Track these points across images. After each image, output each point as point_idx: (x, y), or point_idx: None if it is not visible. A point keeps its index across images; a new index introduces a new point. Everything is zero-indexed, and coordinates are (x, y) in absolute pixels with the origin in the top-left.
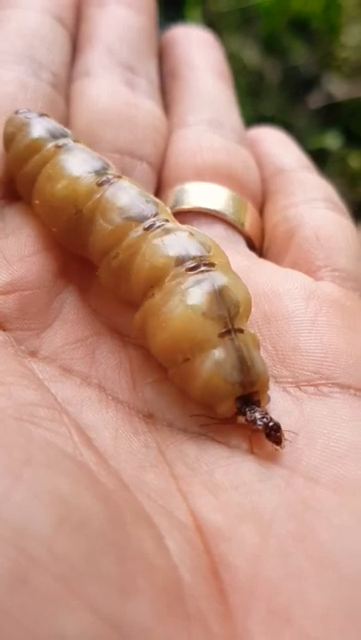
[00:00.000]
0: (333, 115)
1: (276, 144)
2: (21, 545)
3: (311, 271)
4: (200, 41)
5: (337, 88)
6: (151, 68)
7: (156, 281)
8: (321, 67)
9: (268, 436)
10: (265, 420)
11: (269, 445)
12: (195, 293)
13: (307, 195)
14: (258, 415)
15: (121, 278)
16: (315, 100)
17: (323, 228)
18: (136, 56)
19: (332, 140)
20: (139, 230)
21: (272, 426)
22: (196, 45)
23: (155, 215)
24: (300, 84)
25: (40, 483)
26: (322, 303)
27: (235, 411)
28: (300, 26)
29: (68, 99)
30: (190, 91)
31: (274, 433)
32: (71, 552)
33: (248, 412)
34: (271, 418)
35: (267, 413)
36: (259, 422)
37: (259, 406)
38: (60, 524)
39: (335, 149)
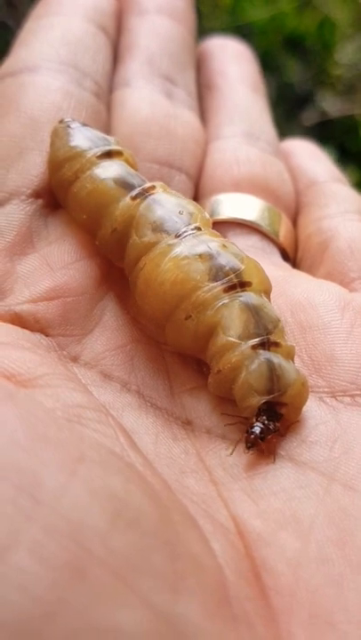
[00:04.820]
0: (327, 131)
1: (309, 156)
2: (79, 538)
3: (345, 282)
4: (235, 53)
5: (331, 105)
6: (190, 78)
7: (186, 294)
8: (315, 84)
9: (246, 440)
10: (254, 430)
11: (309, 453)
12: (231, 317)
13: (340, 207)
14: (257, 424)
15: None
16: (309, 117)
17: (357, 240)
18: (175, 67)
19: None
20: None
21: (250, 441)
22: (231, 57)
23: (187, 226)
24: (294, 102)
25: (94, 479)
26: (357, 314)
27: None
28: (295, 44)
29: (109, 108)
30: (225, 102)
31: (248, 443)
32: (125, 547)
33: (257, 417)
34: (259, 435)
35: (266, 428)
36: (251, 427)
37: (277, 419)
38: (115, 519)
39: None
